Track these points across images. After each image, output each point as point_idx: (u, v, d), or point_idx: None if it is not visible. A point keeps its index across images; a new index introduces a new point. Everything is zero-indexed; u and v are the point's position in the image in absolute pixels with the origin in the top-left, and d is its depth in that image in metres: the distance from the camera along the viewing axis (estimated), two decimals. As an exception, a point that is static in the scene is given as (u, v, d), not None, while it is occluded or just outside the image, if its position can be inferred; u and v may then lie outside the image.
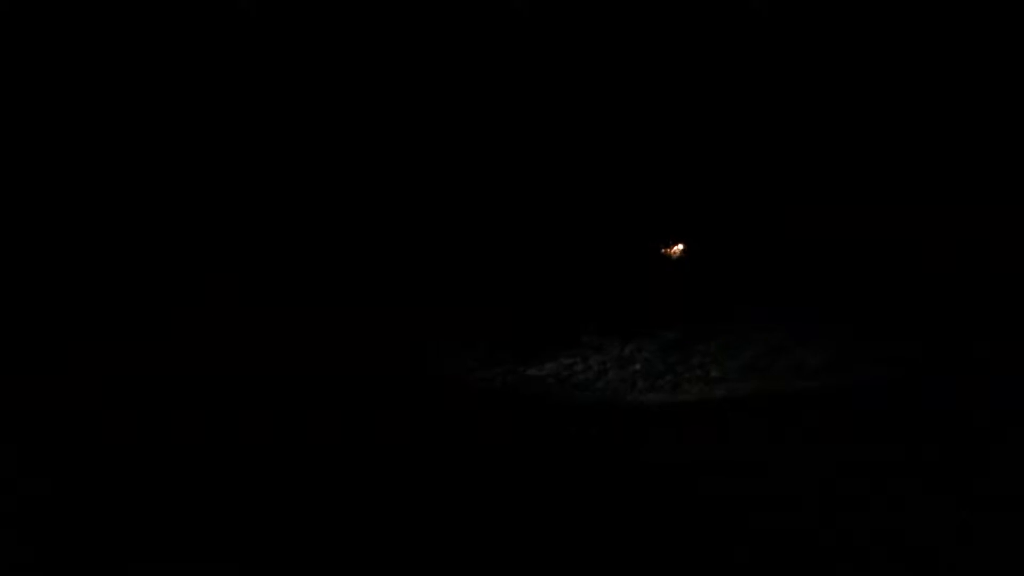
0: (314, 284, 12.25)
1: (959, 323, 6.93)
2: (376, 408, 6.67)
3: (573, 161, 14.23)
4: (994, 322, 6.89)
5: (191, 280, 10.60)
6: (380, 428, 6.15)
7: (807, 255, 9.31)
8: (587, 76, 12.98)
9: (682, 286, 9.06)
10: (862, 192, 9.68)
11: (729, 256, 9.74)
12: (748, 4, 12.01)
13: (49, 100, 10.75)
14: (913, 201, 9.28)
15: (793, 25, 11.65)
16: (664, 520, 3.89)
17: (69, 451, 5.46)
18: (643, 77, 12.19)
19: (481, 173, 15.09)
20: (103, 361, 8.34)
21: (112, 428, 6.01)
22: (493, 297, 14.16)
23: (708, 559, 3.52)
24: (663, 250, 10.55)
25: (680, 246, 10.61)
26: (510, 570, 3.51)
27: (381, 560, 3.65)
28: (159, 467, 4.77)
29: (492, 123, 15.32)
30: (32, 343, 7.88)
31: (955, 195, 9.34)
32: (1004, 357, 6.41)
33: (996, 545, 3.58)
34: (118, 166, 12.15)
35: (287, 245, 13.42)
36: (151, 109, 11.95)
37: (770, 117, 10.87)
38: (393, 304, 12.93)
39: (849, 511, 3.90)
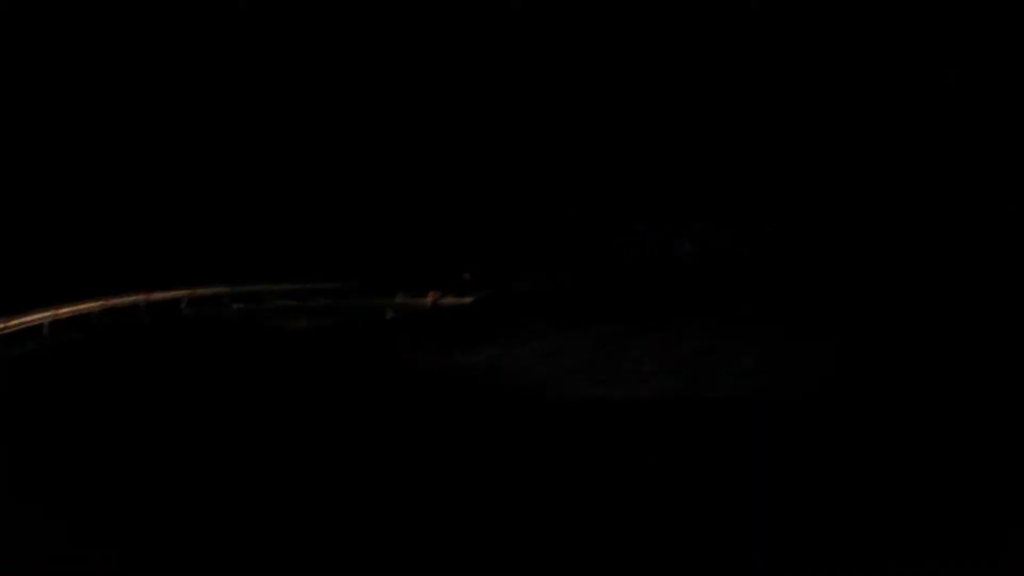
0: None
1: (888, 327, 6.83)
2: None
3: (535, 154, 14.41)
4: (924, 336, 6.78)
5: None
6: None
7: (749, 257, 9.20)
8: (573, 74, 13.12)
9: (628, 282, 9.08)
10: (824, 193, 9.55)
11: (673, 255, 9.68)
12: (748, 4, 11.91)
13: (49, 100, 11.60)
14: (869, 202, 9.11)
15: (789, 26, 11.50)
16: (583, 517, 3.92)
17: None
18: (630, 76, 12.25)
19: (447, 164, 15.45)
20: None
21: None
22: (428, 281, 14.46)
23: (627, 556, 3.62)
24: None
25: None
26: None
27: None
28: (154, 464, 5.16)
29: (456, 119, 15.63)
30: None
31: (914, 196, 9.14)
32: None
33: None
34: (116, 167, 12.99)
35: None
36: (151, 111, 12.72)
37: (743, 120, 10.80)
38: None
39: (774, 512, 3.88)
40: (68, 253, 14.14)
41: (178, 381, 7.21)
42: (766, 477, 4.43)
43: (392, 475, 4.60)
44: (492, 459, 4.88)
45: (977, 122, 10.31)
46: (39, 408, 6.27)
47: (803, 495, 4.14)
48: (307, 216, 16.55)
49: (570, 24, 13.27)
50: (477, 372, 6.98)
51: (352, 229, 16.57)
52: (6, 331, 8.79)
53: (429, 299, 14.94)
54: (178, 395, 6.60)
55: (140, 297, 11.70)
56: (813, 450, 4.87)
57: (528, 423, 5.73)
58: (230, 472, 4.65)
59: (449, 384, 6.81)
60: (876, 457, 4.64)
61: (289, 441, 5.27)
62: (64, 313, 10.01)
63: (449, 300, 15.02)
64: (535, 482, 4.46)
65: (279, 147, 16.22)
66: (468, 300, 14.87)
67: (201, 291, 12.94)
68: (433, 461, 4.82)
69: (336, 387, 6.81)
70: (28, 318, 9.28)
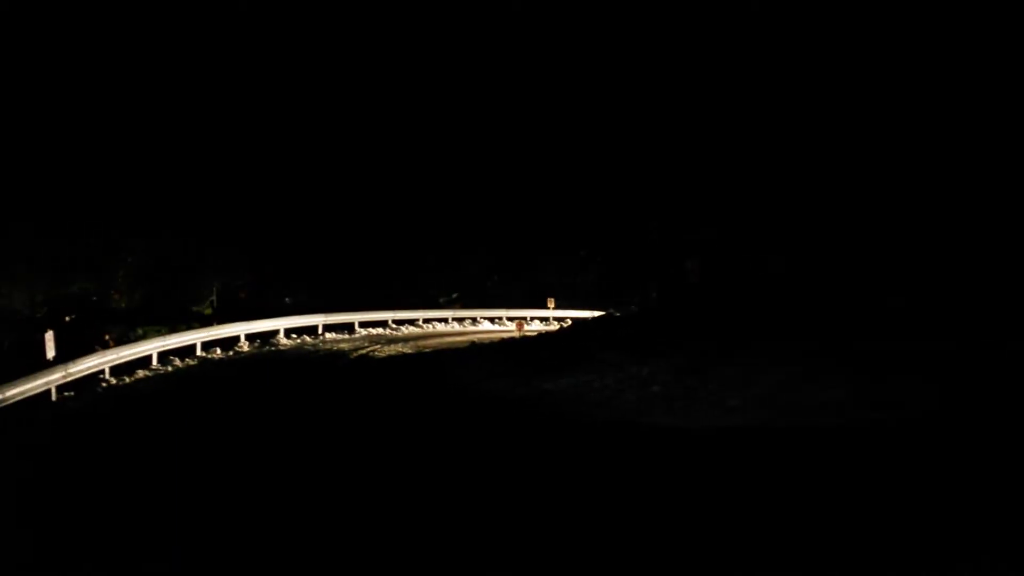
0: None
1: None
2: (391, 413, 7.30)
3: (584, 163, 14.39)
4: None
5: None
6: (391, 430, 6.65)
7: (831, 285, 8.71)
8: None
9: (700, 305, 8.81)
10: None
11: (747, 281, 9.30)
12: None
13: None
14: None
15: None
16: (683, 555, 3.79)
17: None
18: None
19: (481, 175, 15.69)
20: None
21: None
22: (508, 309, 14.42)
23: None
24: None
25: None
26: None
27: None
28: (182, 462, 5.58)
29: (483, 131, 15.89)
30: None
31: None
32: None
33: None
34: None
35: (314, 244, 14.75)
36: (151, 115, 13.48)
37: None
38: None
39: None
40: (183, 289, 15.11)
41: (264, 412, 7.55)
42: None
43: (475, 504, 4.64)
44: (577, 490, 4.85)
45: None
46: (147, 433, 6.71)
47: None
48: (401, 248, 17.08)
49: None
50: (558, 400, 6.98)
51: (441, 260, 17.02)
52: (119, 361, 9.41)
53: (515, 327, 15.06)
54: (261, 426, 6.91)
55: (241, 327, 12.33)
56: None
57: (618, 453, 5.69)
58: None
59: (528, 412, 6.89)
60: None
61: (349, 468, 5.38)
62: (172, 344, 10.64)
63: (533, 328, 15.09)
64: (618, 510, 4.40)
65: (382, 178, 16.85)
66: (553, 328, 14.87)
67: (298, 320, 13.50)
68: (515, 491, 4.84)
69: (410, 416, 6.96)
70: (138, 349, 9.92)
